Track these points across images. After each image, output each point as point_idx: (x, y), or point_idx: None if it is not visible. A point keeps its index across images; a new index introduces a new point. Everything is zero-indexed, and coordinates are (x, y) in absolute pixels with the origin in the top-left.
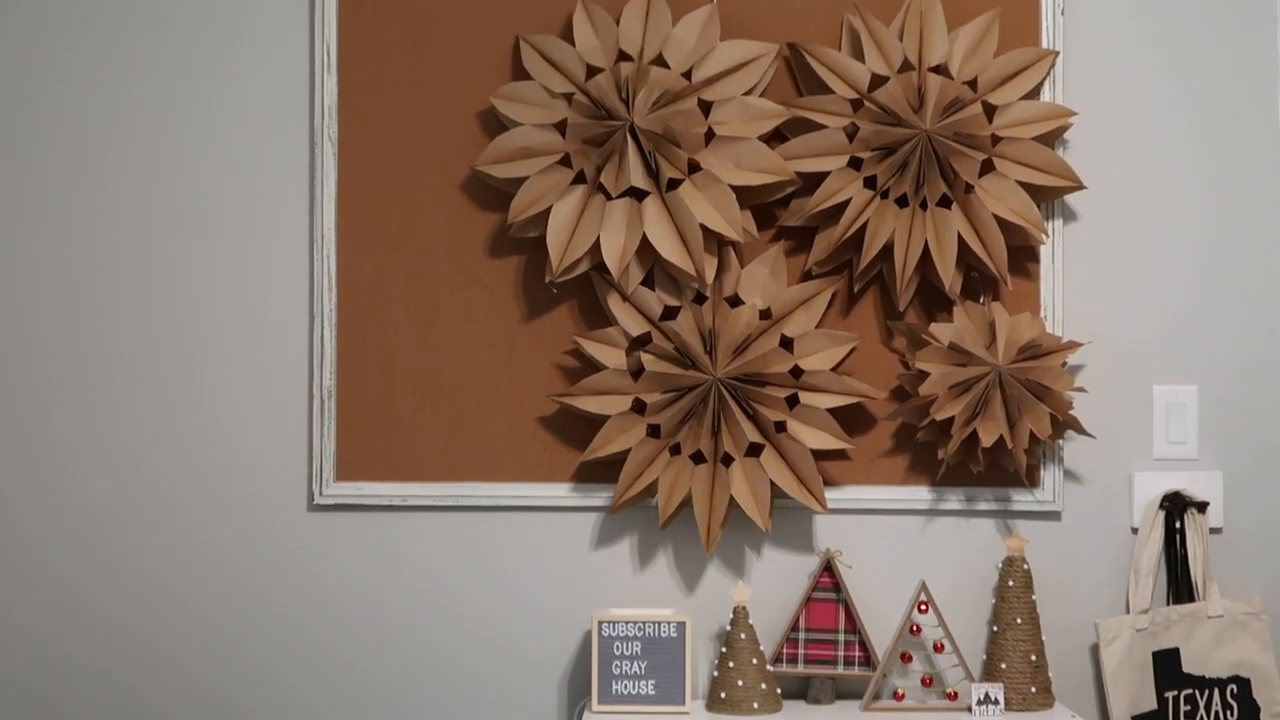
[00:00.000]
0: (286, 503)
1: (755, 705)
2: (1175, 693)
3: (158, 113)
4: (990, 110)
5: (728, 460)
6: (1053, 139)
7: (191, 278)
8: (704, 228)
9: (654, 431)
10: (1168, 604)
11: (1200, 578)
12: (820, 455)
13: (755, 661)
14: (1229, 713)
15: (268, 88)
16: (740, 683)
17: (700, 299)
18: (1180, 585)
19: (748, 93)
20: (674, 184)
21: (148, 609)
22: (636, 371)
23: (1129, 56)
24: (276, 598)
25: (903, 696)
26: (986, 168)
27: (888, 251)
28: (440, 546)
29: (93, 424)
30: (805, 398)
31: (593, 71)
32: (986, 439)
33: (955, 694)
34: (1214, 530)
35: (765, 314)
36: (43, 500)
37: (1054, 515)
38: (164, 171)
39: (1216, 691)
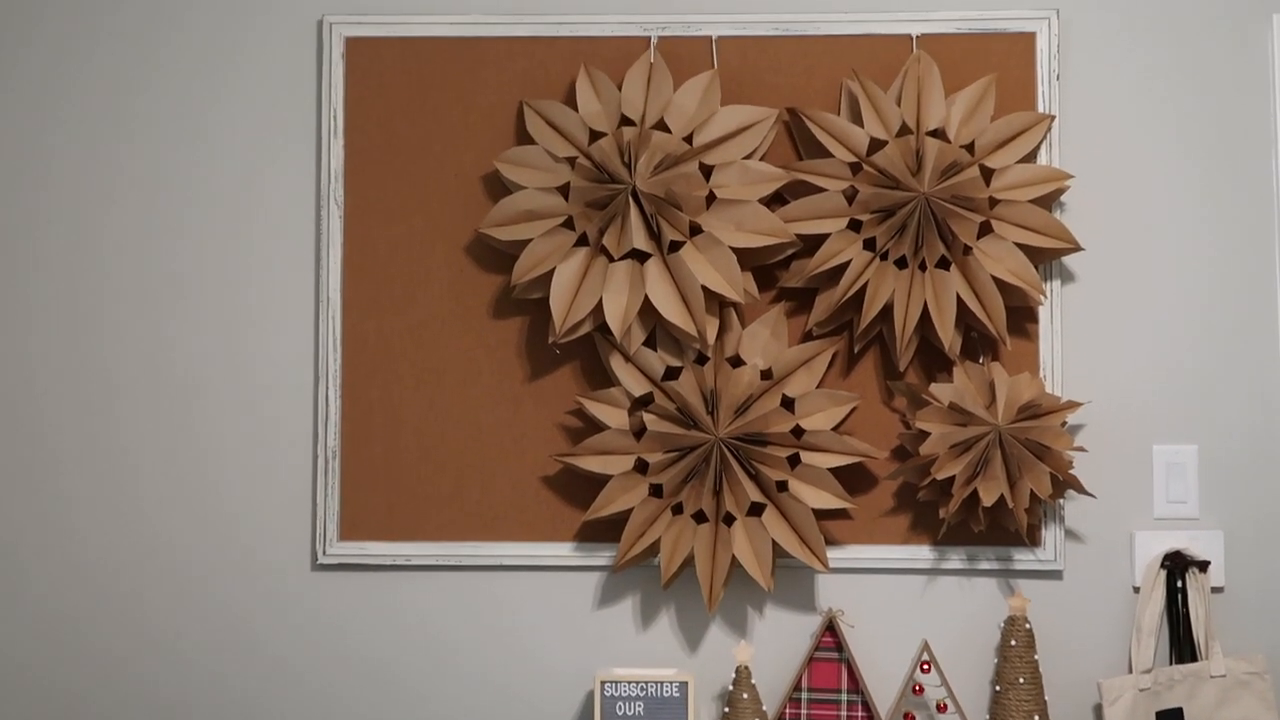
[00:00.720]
0: (291, 562)
1: None
2: None
3: (165, 173)
4: (987, 173)
5: (730, 519)
6: (1050, 201)
7: (197, 338)
8: (705, 289)
9: (656, 491)
10: (1170, 663)
11: (1203, 637)
12: (822, 515)
13: None
14: None
15: (274, 151)
16: None
17: (702, 359)
18: (1183, 645)
19: (748, 157)
20: (676, 246)
21: (155, 666)
22: (639, 431)
23: (1123, 120)
24: (282, 657)
25: None
26: (984, 230)
27: (887, 312)
28: (444, 606)
29: (98, 481)
30: (807, 457)
31: (595, 136)
32: (987, 498)
33: None
34: (1216, 589)
35: (766, 374)
36: (49, 557)
37: (1056, 574)
38: (170, 232)
39: None
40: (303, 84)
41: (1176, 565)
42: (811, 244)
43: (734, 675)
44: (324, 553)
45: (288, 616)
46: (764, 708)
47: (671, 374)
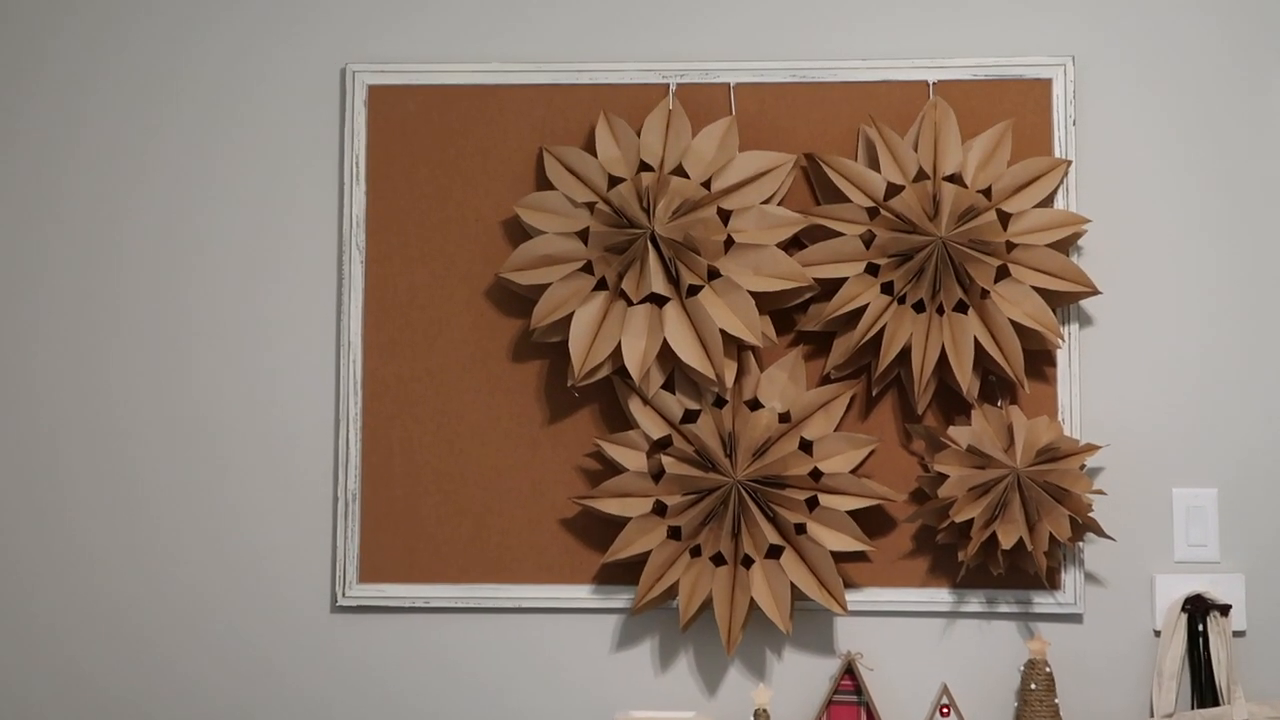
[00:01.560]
0: (310, 604)
1: None
2: None
3: (185, 219)
4: (1005, 218)
5: (748, 562)
6: (1067, 245)
7: (219, 381)
8: (724, 333)
9: (675, 534)
10: (1192, 708)
11: (1225, 681)
12: (840, 557)
13: None
14: None
15: (297, 197)
16: None
17: (720, 402)
18: (1204, 689)
19: (766, 201)
20: (694, 290)
21: (173, 708)
22: (657, 474)
23: (1139, 164)
24: (301, 698)
25: None
26: (1002, 274)
27: (905, 355)
28: (463, 648)
29: (116, 523)
30: (825, 500)
31: (614, 181)
32: (1006, 541)
33: None
34: (1237, 633)
35: (785, 417)
36: (66, 599)
37: (1075, 618)
38: (192, 277)
39: None
40: (325, 131)
41: (1198, 609)
42: (829, 288)
43: (752, 718)
44: (343, 594)
45: (307, 658)
46: None
47: (690, 417)
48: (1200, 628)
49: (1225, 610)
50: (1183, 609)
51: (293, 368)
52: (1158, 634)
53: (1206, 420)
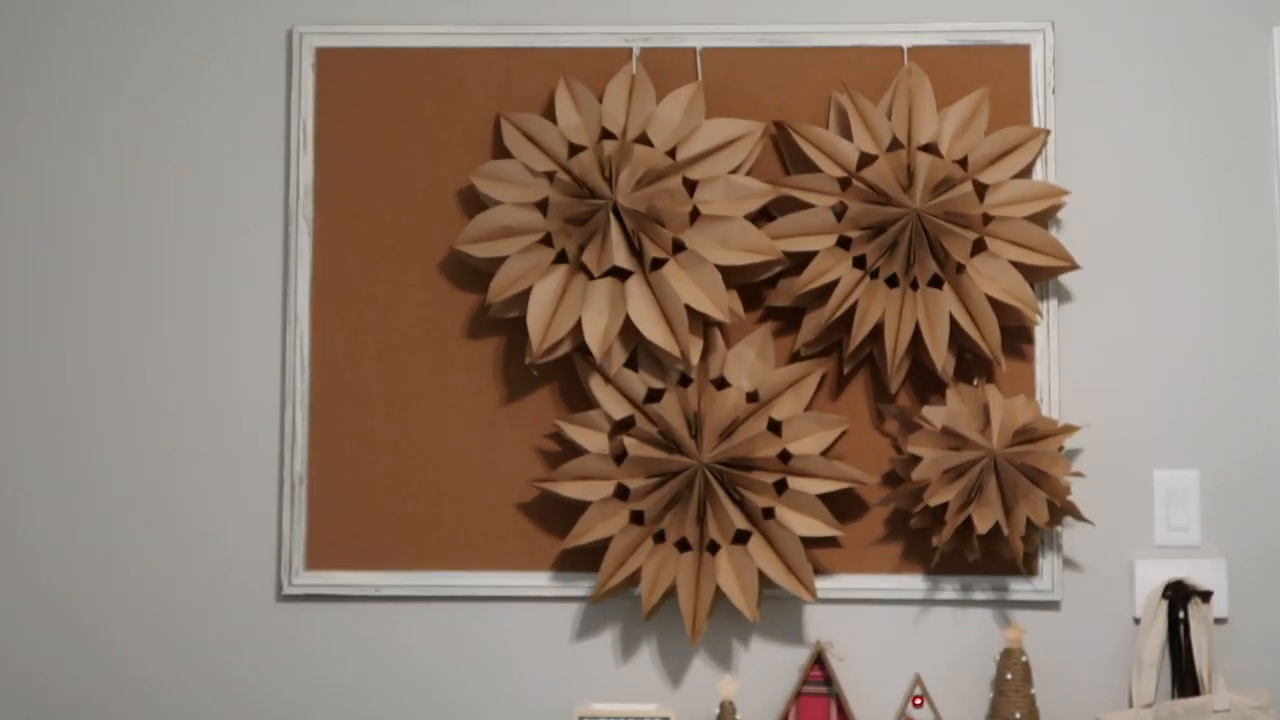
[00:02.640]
0: (255, 592)
1: None
2: None
3: (126, 188)
4: (981, 189)
5: (714, 548)
6: (1045, 218)
7: (159, 359)
8: (689, 308)
9: (637, 518)
10: (1173, 697)
11: (1205, 670)
12: (810, 543)
13: None
14: None
15: (241, 166)
16: None
17: (685, 381)
18: (1185, 678)
19: (733, 171)
20: (658, 264)
21: (109, 700)
22: (619, 456)
23: (1121, 134)
24: (244, 691)
25: None
26: (978, 247)
27: (878, 332)
28: (415, 638)
29: (53, 507)
30: (794, 483)
31: (575, 150)
32: (982, 526)
33: None
34: (1219, 620)
35: (752, 396)
36: (5, 588)
37: (1053, 605)
38: (131, 249)
39: None
40: (271, 96)
41: (1178, 595)
42: (799, 262)
43: (718, 711)
44: (290, 583)
45: (251, 649)
46: None
47: (653, 396)
48: (1181, 614)
49: (1206, 596)
50: (1163, 595)
51: (237, 344)
52: (1137, 621)
53: (1189, 400)
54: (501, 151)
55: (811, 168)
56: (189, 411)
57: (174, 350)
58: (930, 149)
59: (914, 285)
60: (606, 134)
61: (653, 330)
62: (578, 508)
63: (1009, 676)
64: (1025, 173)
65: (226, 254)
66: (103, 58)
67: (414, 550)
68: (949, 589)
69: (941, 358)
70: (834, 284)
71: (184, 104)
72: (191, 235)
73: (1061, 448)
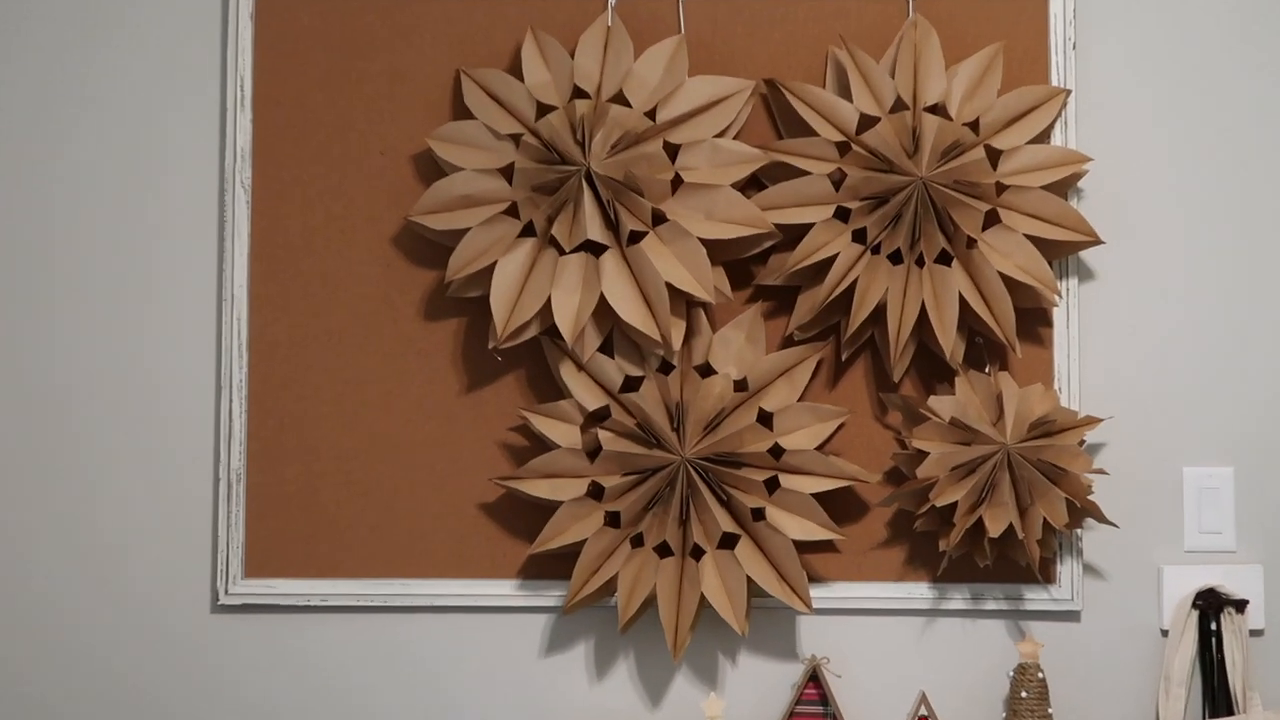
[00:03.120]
0: (187, 603)
1: None
2: None
3: (39, 151)
4: (994, 155)
5: (698, 553)
6: (1065, 188)
7: (77, 339)
8: (670, 287)
9: (613, 520)
10: (1204, 717)
11: (1240, 687)
12: (804, 547)
13: None
14: None
15: (171, 126)
16: None
17: (666, 368)
18: (1217, 695)
19: (720, 134)
20: (636, 237)
21: None
22: (593, 451)
23: (1149, 94)
24: (175, 713)
25: None
26: (991, 220)
27: (880, 314)
28: (366, 653)
29: None
30: (787, 481)
31: (544, 110)
32: (994, 528)
33: None
34: (1254, 632)
35: (741, 385)
36: None
37: (1072, 615)
38: (44, 218)
39: None
40: (204, 49)
41: (1210, 605)
42: (793, 235)
43: None
44: (226, 592)
45: (182, 666)
46: None
47: (631, 385)
48: (1213, 626)
49: (1241, 606)
50: (1193, 605)
51: (165, 325)
52: (1165, 633)
53: (1222, 390)
54: (462, 112)
55: (807, 131)
56: (109, 403)
57: (90, 334)
58: (938, 110)
59: (919, 262)
60: (579, 92)
61: (630, 311)
62: (547, 509)
63: (1024, 694)
64: (1043, 137)
65: (152, 226)
66: (13, 5)
67: (364, 556)
68: (958, 598)
69: (950, 342)
70: (831, 260)
71: (102, 53)
72: (111, 204)
73: (1082, 442)
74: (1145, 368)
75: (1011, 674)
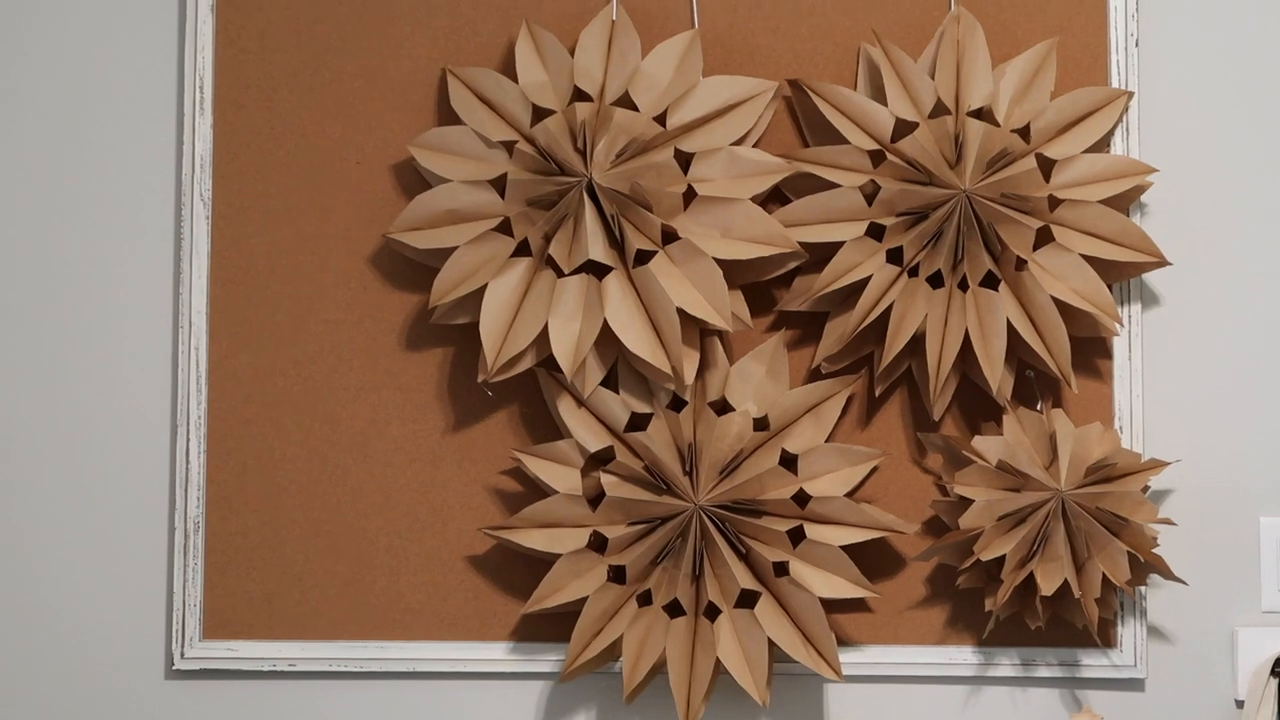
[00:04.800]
0: (138, 669)
1: None
2: None
3: None
4: (1047, 166)
5: (713, 612)
6: (1127, 202)
7: (13, 378)
8: (682, 313)
9: (617, 575)
10: None
11: None
12: (833, 606)
13: None
14: None
15: (123, 133)
16: None
17: (678, 404)
18: None
19: (738, 142)
20: (644, 257)
21: None
22: (595, 497)
23: (1220, 98)
24: None
25: None
26: (1043, 238)
27: (918, 344)
28: None
29: None
30: (813, 532)
31: (540, 114)
32: (1047, 586)
33: None
34: None
35: (761, 424)
36: None
37: (1136, 684)
38: None
39: None
40: (160, 46)
41: None
42: (820, 255)
43: None
44: (182, 655)
45: None
46: None
47: (638, 423)
48: None
49: None
50: (1272, 672)
51: (115, 357)
52: (1240, 704)
53: None
54: (448, 116)
55: (836, 138)
56: (53, 442)
57: (29, 368)
58: (983, 115)
59: (963, 285)
60: (580, 94)
61: (637, 340)
62: (543, 562)
63: None
64: (1101, 145)
65: (102, 243)
66: None
67: (336, 615)
68: (1006, 664)
69: (996, 375)
70: (863, 283)
71: (52, 55)
72: (55, 219)
73: (1146, 488)
74: (1217, 405)
75: None
